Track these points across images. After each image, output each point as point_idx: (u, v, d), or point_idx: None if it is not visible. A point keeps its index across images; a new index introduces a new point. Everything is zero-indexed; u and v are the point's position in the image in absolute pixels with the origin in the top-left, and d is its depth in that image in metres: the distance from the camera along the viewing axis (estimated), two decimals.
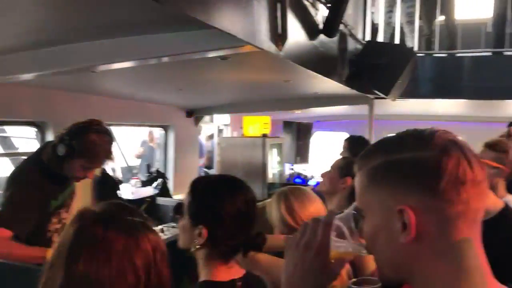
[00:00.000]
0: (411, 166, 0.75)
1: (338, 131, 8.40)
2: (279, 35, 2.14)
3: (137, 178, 4.54)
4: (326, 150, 7.17)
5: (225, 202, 1.30)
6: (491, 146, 2.27)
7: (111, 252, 0.87)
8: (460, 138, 0.79)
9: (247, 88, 3.83)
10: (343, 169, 2.24)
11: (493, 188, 2.27)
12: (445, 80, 4.61)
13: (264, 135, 3.51)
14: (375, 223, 0.79)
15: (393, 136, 0.83)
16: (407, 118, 7.61)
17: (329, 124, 8.25)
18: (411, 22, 4.75)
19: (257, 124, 3.59)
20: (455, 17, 4.98)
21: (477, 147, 2.71)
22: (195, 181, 1.40)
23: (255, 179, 3.42)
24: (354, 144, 3.50)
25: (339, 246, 0.85)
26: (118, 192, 3.53)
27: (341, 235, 0.85)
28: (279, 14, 2.14)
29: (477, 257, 0.75)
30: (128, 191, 4.01)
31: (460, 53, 4.88)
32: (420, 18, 4.89)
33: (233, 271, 1.34)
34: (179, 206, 1.38)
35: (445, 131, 0.78)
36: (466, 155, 0.74)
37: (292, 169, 6.62)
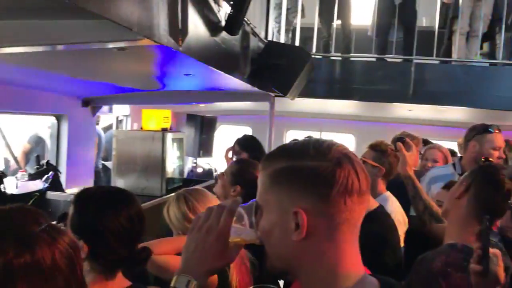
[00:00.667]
0: (309, 174, 0.83)
1: (242, 125, 8.58)
2: (179, 30, 2.13)
3: (23, 171, 4.19)
4: (230, 144, 7.25)
5: (107, 218, 1.28)
6: (373, 147, 2.49)
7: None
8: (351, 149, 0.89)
9: (148, 79, 3.74)
10: (235, 176, 2.27)
11: (373, 186, 2.51)
12: (339, 82, 4.93)
13: (164, 129, 3.46)
14: (271, 220, 0.86)
15: (296, 143, 0.91)
16: (306, 115, 8.03)
17: (234, 118, 8.37)
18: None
19: (156, 118, 3.52)
20: (350, 21, 5.30)
21: (366, 144, 2.97)
22: (79, 193, 1.37)
23: (153, 174, 3.36)
24: (247, 144, 3.60)
25: (238, 233, 0.91)
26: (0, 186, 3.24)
27: (241, 223, 0.91)
28: (179, 9, 2.12)
29: (354, 256, 0.86)
30: (12, 184, 3.69)
31: (352, 57, 5.24)
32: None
33: (113, 284, 1.31)
34: (63, 216, 1.33)
35: (340, 145, 0.88)
36: (355, 168, 0.84)
37: (195, 163, 6.61)
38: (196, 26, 2.40)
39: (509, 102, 4.64)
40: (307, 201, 0.83)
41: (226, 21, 2.85)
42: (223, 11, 2.87)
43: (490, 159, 2.34)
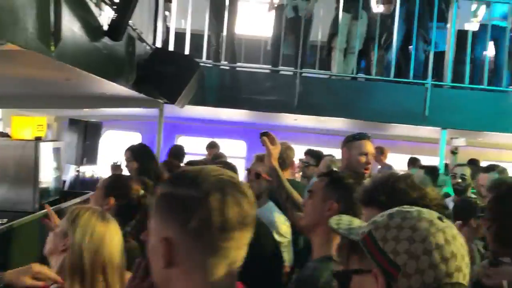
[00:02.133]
0: (177, 202, 0.83)
1: (131, 131, 8.27)
2: (51, 35, 1.97)
3: None
4: (117, 150, 6.92)
5: None
6: (259, 157, 2.55)
7: None
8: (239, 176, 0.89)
9: (23, 83, 3.41)
10: (107, 188, 2.19)
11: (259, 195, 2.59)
12: (229, 91, 5.01)
13: (38, 138, 3.16)
14: (151, 244, 0.86)
15: (185, 169, 0.91)
16: (198, 121, 8.02)
17: (122, 123, 8.02)
18: None
19: (28, 126, 3.21)
20: (235, 31, 5.37)
21: (258, 150, 3.01)
22: None
23: (25, 187, 3.05)
24: (138, 153, 3.49)
25: None
26: None
27: None
28: (52, 11, 1.97)
29: (224, 277, 0.83)
30: None
31: (238, 67, 5.36)
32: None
33: None
34: None
35: (225, 173, 0.86)
36: (227, 201, 0.81)
37: (78, 171, 6.17)
38: (73, 31, 2.24)
39: (382, 114, 5.14)
40: (173, 230, 0.82)
41: (109, 26, 2.72)
42: (106, 16, 2.73)
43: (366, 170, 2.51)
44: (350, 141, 2.68)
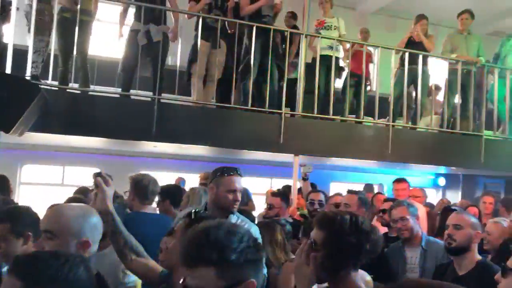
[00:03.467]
0: None
1: None
2: None
3: None
4: None
5: None
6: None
7: None
8: None
9: None
10: None
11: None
12: (78, 117, 4.57)
13: None
14: None
15: None
16: (46, 148, 7.23)
17: None
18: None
19: None
20: (87, 53, 4.97)
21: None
22: None
23: None
24: None
25: None
26: None
27: None
28: None
29: None
30: None
31: (90, 91, 4.99)
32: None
33: None
34: None
35: None
36: None
37: None
38: None
39: (240, 142, 5.23)
40: None
41: None
42: None
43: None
44: (218, 176, 2.57)
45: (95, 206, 2.00)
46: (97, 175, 2.02)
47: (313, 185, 6.02)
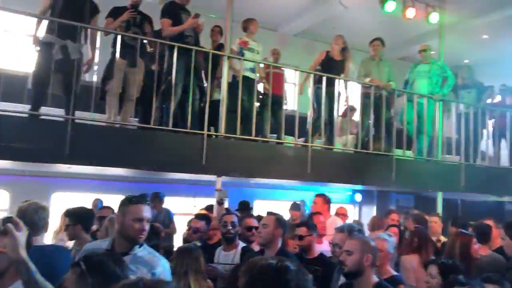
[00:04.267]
0: None
1: None
2: None
3: None
4: None
5: None
6: None
7: None
8: None
9: None
10: None
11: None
12: None
13: None
14: None
15: None
16: None
17: None
18: None
19: None
20: None
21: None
22: None
23: None
24: None
25: None
26: None
27: None
28: None
29: None
30: None
31: None
32: None
33: None
34: None
35: None
36: None
37: None
38: None
39: (161, 163, 5.09)
40: None
41: None
42: None
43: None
44: (125, 205, 2.47)
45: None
46: (6, 220, 1.84)
47: (245, 205, 6.05)
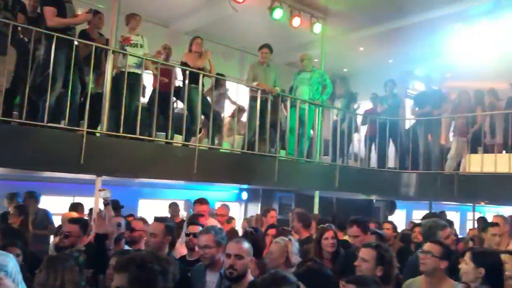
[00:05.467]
0: None
1: None
2: None
3: None
4: None
5: None
6: None
7: None
8: None
9: None
10: None
11: None
12: None
13: None
14: None
15: None
16: None
17: None
18: None
19: None
20: None
21: None
22: None
23: None
24: None
25: None
26: None
27: None
28: None
29: None
30: None
31: None
32: None
33: None
34: None
35: None
36: None
37: None
38: None
39: (34, 162, 4.68)
40: None
41: None
42: None
43: None
44: None
45: None
46: None
47: (115, 205, 5.84)
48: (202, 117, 6.55)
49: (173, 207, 7.74)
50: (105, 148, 5.20)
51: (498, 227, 4.56)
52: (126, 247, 3.81)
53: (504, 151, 7.56)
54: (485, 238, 4.59)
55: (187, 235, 3.83)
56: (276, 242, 3.64)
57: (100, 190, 4.44)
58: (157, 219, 3.66)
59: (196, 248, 3.44)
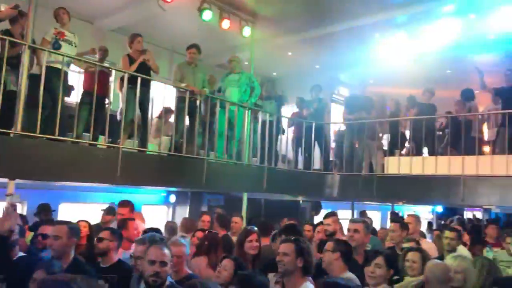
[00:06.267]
0: None
1: None
2: None
3: None
4: None
5: None
6: None
7: None
8: None
9: None
10: None
11: None
12: None
13: None
14: None
15: None
16: None
17: None
18: None
19: None
20: None
21: None
22: None
23: None
24: None
25: None
26: None
27: None
28: None
29: None
30: None
31: None
32: None
33: None
34: None
35: None
36: None
37: None
38: None
39: None
40: None
41: None
42: None
43: None
44: None
45: None
46: None
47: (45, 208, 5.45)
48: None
49: (108, 210, 7.39)
50: (20, 149, 4.85)
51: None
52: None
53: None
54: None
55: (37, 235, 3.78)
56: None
57: (7, 195, 4.14)
58: (60, 222, 3.54)
59: None
